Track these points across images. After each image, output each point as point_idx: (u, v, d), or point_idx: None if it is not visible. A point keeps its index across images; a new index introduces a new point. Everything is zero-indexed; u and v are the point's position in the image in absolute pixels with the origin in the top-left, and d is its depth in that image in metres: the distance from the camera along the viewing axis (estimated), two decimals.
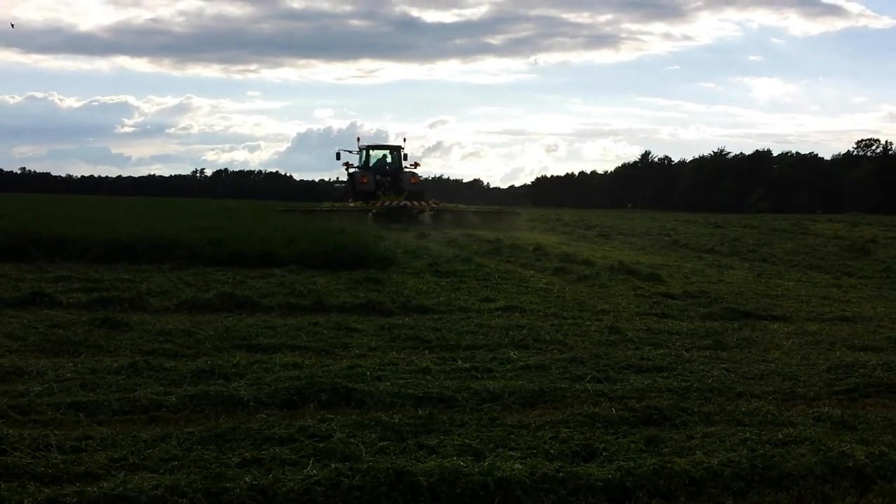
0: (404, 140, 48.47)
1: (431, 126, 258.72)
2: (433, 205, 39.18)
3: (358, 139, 45.25)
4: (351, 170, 43.97)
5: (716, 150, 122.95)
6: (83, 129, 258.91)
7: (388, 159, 44.05)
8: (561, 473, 5.66)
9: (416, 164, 43.71)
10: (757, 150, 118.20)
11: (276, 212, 38.69)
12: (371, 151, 44.43)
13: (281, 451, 5.92)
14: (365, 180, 41.34)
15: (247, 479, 5.26)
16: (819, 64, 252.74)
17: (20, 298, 12.33)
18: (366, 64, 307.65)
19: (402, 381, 8.19)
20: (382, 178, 41.91)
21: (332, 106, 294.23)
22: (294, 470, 5.53)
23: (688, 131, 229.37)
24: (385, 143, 46.06)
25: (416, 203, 38.58)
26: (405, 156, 43.75)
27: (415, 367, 8.91)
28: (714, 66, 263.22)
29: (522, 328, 11.55)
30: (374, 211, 37.31)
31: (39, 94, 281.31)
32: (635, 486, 5.66)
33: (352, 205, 39.98)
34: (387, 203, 38.03)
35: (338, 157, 44.21)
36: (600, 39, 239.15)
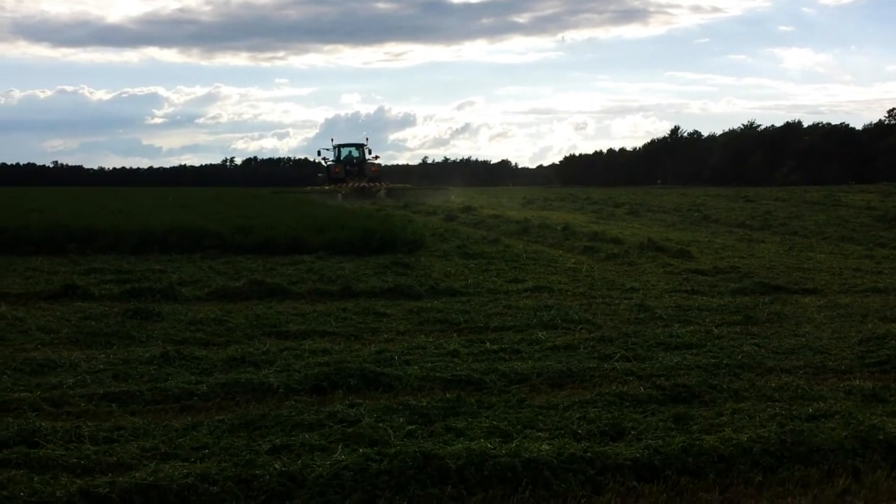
0: (367, 139, 61.79)
1: (459, 108, 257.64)
2: (386, 186, 51.03)
3: (332, 140, 59.64)
4: (327, 163, 58.25)
5: (746, 123, 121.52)
6: (114, 121, 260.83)
7: (355, 153, 57.50)
8: (588, 453, 5.67)
9: (376, 157, 57.30)
10: (787, 122, 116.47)
11: (270, 195, 48.45)
12: (342, 148, 57.96)
13: (310, 437, 5.97)
14: (337, 170, 55.07)
15: (276, 466, 5.32)
16: (851, 32, 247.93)
17: (53, 291, 12.50)
18: (392, 47, 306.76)
19: (430, 365, 8.22)
20: (350, 168, 54.96)
21: (359, 91, 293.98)
22: (323, 455, 5.58)
23: (718, 105, 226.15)
24: (352, 142, 59.08)
25: (373, 184, 50.58)
26: (369, 150, 57.50)
27: (443, 350, 8.94)
28: (744, 37, 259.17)
29: (551, 308, 11.53)
30: (343, 192, 47.35)
31: (69, 88, 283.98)
32: (664, 465, 5.65)
33: (327, 187, 51.50)
34: (352, 185, 50.15)
35: (318, 153, 58.79)
36: (628, 14, 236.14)
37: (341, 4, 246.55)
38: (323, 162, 59.43)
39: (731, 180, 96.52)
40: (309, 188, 54.83)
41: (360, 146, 58.09)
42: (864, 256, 18.77)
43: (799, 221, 28.40)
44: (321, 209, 30.55)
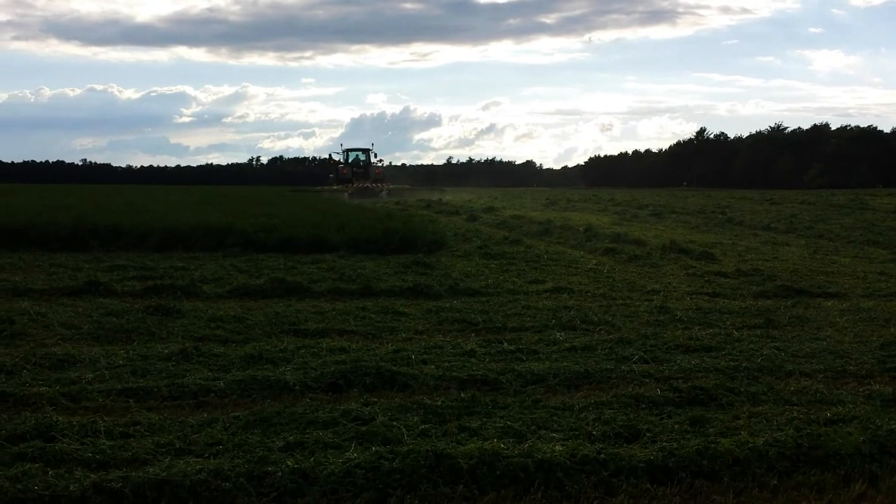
0: (372, 144, 67.86)
1: (484, 108, 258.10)
2: (387, 186, 57.31)
3: (341, 145, 69.56)
4: (339, 164, 64.29)
5: (773, 126, 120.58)
6: (142, 119, 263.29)
7: (361, 157, 63.97)
8: (602, 455, 5.64)
9: (380, 160, 64.20)
10: (815, 125, 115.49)
11: (288, 193, 54.15)
12: (349, 152, 64.55)
13: (324, 435, 5.99)
14: (345, 171, 61.41)
15: (288, 463, 5.33)
16: (881, 34, 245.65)
17: (76, 287, 12.62)
18: (419, 47, 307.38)
19: (446, 364, 8.21)
20: (357, 170, 61.04)
21: (385, 91, 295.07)
22: (335, 453, 5.59)
23: (746, 107, 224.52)
24: (359, 147, 65.37)
25: (376, 185, 56.04)
26: (374, 154, 64.31)
27: (460, 350, 8.93)
28: (773, 39, 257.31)
29: (570, 309, 11.50)
30: (349, 192, 52.10)
31: (99, 87, 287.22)
32: (678, 467, 5.62)
33: (336, 187, 57.82)
34: (357, 185, 55.65)
35: (330, 158, 68.11)
36: (657, 15, 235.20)
37: (369, 4, 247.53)
38: (332, 163, 67.42)
39: (757, 183, 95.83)
40: (320, 187, 62.42)
41: (366, 151, 64.81)
42: (890, 261, 18.56)
43: (825, 225, 28.14)
44: (343, 208, 30.68)
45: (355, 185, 55.18)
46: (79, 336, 9.52)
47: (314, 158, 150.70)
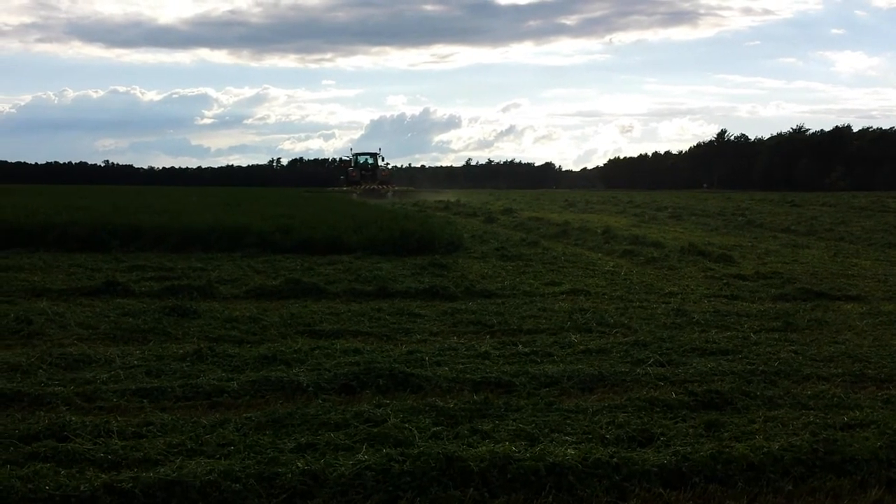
0: (380, 149, 73.49)
1: (504, 110, 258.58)
2: (393, 188, 61.77)
3: (351, 149, 74.16)
4: (349, 167, 70.09)
5: (794, 128, 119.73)
6: (164, 121, 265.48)
7: (369, 160, 69.86)
8: (615, 459, 5.59)
9: (387, 164, 71.52)
10: (836, 126, 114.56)
11: (301, 193, 57.88)
12: (358, 156, 71.05)
13: (335, 437, 5.97)
14: (354, 174, 66.90)
15: (299, 464, 5.32)
16: None
17: (94, 287, 12.69)
18: (439, 49, 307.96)
19: (460, 366, 8.18)
20: (365, 172, 66.55)
21: (404, 92, 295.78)
22: (346, 455, 5.57)
23: (767, 108, 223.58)
24: (368, 152, 71.95)
25: (383, 186, 60.32)
26: (382, 158, 70.57)
27: (474, 352, 8.89)
28: (795, 40, 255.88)
29: (586, 312, 11.44)
30: (357, 192, 56.70)
31: (122, 89, 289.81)
32: (691, 472, 5.56)
33: (345, 188, 62.93)
34: (364, 186, 60.35)
35: (340, 161, 79.69)
36: (678, 16, 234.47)
37: (389, 6, 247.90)
38: (342, 167, 75.19)
39: (778, 185, 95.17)
40: (330, 189, 68.56)
41: (373, 155, 70.73)
42: None
43: (845, 227, 27.92)
44: (361, 209, 30.69)
45: (363, 187, 60.31)
46: (95, 336, 9.56)
47: (334, 160, 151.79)
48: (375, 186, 60.07)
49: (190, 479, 5.05)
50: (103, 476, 5.08)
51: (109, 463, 5.41)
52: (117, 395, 7.07)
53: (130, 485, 4.95)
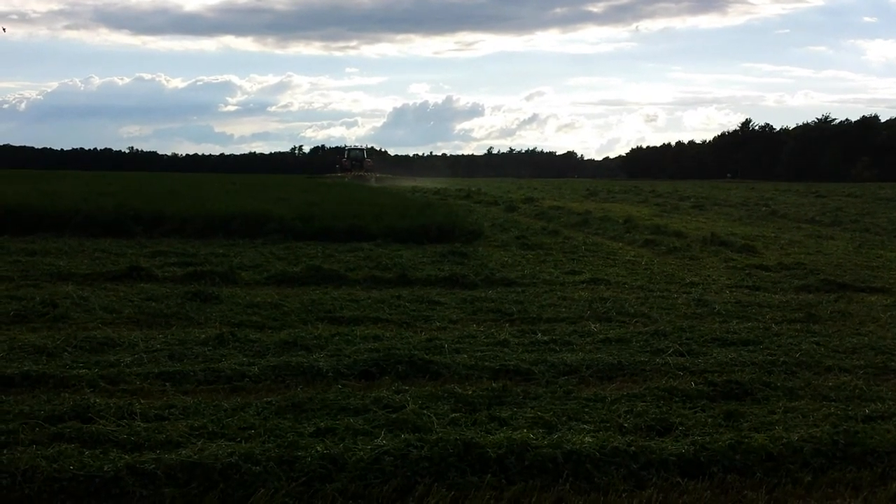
0: (367, 145, 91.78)
1: (528, 98, 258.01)
2: (376, 175, 72.37)
3: (345, 145, 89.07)
4: (343, 158, 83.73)
5: (820, 117, 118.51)
6: (188, 108, 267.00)
7: (357, 153, 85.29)
8: (632, 447, 5.60)
9: (370, 156, 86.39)
10: (864, 116, 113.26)
11: (304, 179, 64.24)
12: (350, 150, 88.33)
13: (354, 422, 6.02)
14: (346, 163, 79.89)
15: (318, 448, 5.37)
16: None
17: (118, 272, 12.81)
18: (464, 36, 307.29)
19: (479, 354, 8.21)
20: (354, 162, 80.00)
21: (428, 80, 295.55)
22: (365, 440, 5.62)
23: (795, 98, 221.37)
24: (358, 146, 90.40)
25: (366, 174, 72.48)
26: (368, 151, 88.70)
27: (493, 340, 8.92)
28: (826, 28, 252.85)
29: (606, 301, 11.43)
30: (347, 178, 67.57)
31: (147, 76, 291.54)
32: (709, 461, 5.56)
33: (339, 174, 73.68)
34: (353, 173, 72.67)
35: (338, 151, 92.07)
36: (707, 3, 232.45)
37: None
38: (338, 157, 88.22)
39: (804, 175, 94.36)
40: (328, 175, 77.76)
41: (361, 149, 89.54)
42: None
43: (871, 218, 27.68)
44: (382, 197, 30.74)
45: (352, 173, 73.52)
46: (119, 320, 9.67)
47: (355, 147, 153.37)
48: (362, 173, 73.58)
49: (211, 461, 5.11)
50: (126, 457, 5.16)
51: (132, 444, 5.50)
52: (140, 378, 7.16)
53: (153, 466, 5.03)
